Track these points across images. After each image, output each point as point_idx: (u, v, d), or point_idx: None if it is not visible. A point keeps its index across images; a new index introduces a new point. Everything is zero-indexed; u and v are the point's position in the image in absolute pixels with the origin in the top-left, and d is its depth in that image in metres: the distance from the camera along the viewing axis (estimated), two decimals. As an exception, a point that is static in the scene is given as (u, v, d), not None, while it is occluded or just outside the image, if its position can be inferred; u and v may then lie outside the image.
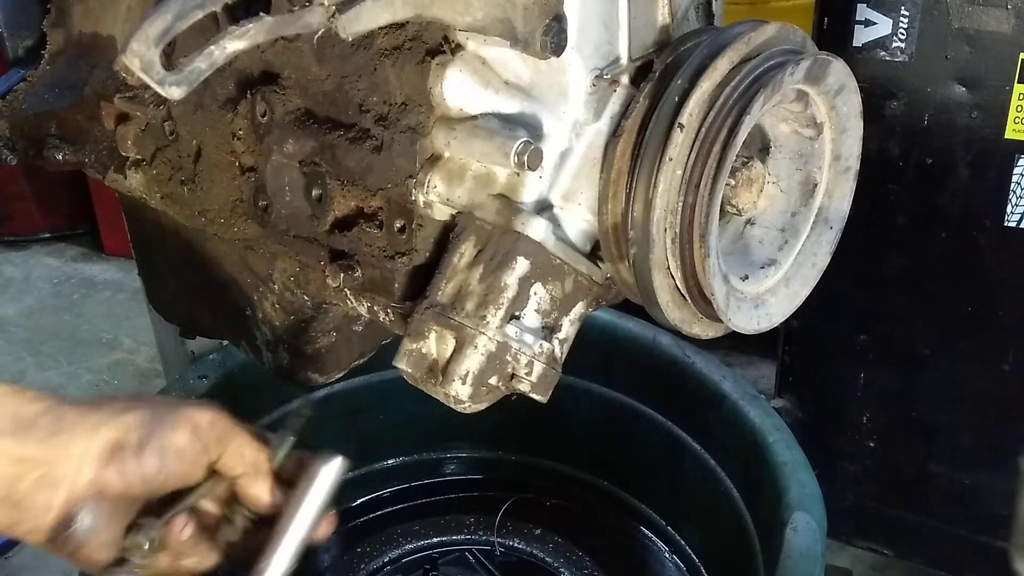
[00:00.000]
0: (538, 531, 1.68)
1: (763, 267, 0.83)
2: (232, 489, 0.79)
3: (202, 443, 0.74)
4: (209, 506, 0.79)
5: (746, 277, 0.81)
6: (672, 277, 0.76)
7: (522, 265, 0.76)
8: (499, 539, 1.67)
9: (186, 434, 0.73)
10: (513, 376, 0.77)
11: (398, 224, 0.82)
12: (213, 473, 0.77)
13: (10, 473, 0.68)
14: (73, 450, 0.69)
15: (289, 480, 0.78)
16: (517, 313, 0.76)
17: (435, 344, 0.78)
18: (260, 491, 0.78)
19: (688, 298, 0.77)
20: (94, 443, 0.70)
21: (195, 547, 0.77)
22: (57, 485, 0.69)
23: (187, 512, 0.76)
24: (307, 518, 0.76)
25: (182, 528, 0.76)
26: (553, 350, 0.78)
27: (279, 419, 0.97)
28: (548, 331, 0.78)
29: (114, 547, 0.73)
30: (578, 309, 0.80)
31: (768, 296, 0.83)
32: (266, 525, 0.78)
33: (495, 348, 0.76)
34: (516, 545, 1.67)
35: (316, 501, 0.76)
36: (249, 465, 0.77)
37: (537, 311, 0.77)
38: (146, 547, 0.73)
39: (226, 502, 0.79)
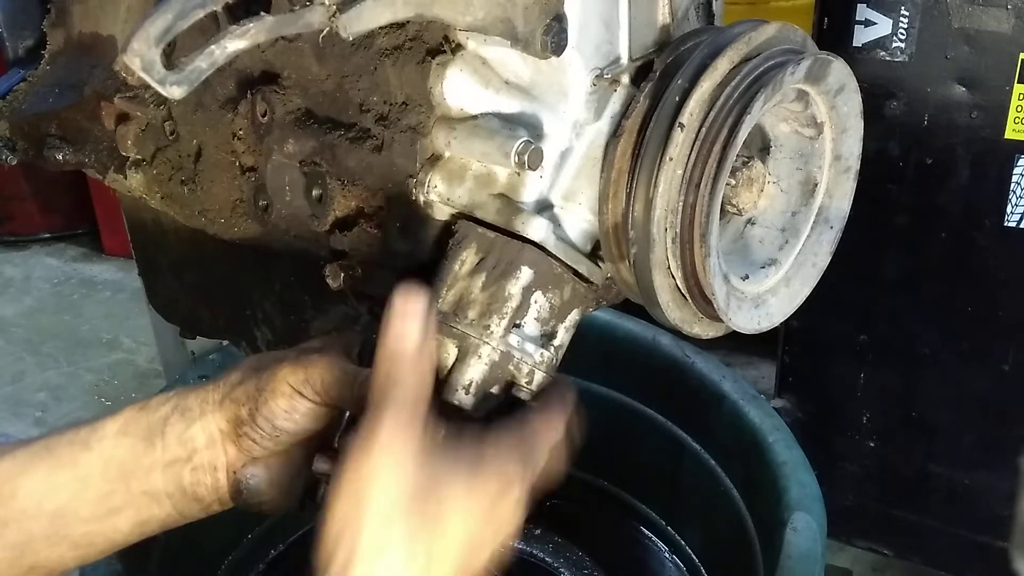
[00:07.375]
0: (538, 531, 1.68)
1: (763, 267, 0.83)
2: None
3: (308, 399, 0.76)
4: None
5: (746, 277, 0.81)
6: (672, 277, 0.75)
7: (526, 274, 0.76)
8: (499, 539, 1.66)
9: (284, 399, 0.76)
10: (512, 385, 0.77)
11: (398, 224, 0.82)
12: None
13: (171, 477, 0.75)
14: (207, 437, 0.76)
15: None
16: (518, 322, 0.76)
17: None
18: None
19: (688, 298, 0.77)
20: (220, 423, 0.76)
21: None
22: (213, 468, 0.76)
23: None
24: None
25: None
26: (552, 358, 0.78)
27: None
28: (546, 339, 0.78)
29: (292, 491, 0.79)
30: (573, 316, 0.80)
31: (768, 296, 0.83)
32: None
33: (498, 358, 0.76)
34: (516, 545, 1.66)
35: None
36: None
37: (537, 319, 0.77)
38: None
39: None
